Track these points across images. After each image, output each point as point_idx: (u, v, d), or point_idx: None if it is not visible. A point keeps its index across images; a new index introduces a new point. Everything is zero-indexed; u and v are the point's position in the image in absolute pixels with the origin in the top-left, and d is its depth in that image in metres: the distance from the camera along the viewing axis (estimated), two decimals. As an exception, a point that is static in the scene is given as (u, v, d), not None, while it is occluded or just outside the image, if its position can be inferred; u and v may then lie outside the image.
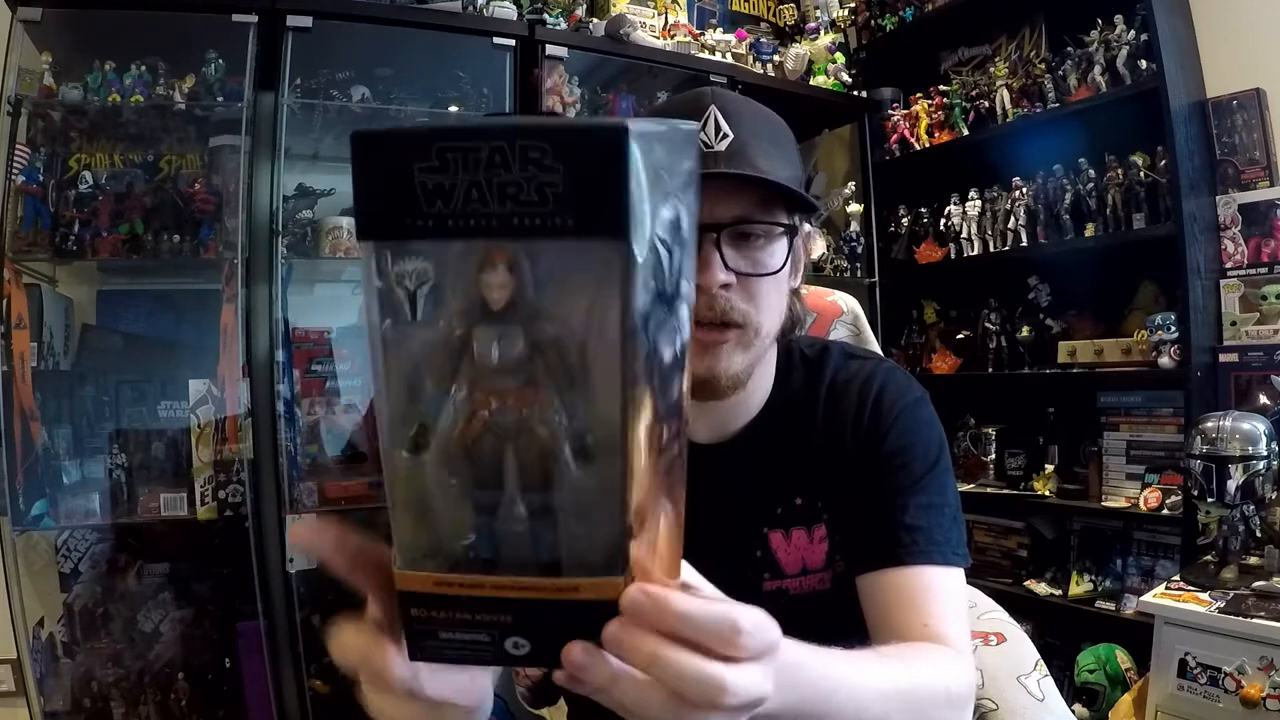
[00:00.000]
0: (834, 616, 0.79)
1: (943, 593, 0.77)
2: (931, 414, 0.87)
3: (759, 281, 0.76)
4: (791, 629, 0.66)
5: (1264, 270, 2.21)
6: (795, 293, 0.85)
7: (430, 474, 0.37)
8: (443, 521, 0.38)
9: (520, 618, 0.39)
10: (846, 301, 1.28)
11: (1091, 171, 2.43)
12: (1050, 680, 0.92)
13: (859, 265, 3.04)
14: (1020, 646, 0.97)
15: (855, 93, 3.04)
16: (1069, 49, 2.49)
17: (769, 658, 0.41)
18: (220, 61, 2.10)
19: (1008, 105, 2.65)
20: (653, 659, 0.38)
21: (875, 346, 1.26)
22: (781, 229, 0.77)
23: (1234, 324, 2.24)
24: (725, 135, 0.74)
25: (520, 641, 0.39)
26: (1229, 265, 2.28)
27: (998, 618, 1.04)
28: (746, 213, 0.75)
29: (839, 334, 1.24)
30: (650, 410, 0.38)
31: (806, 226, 0.84)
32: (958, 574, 0.80)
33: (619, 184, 0.33)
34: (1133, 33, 2.29)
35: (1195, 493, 1.99)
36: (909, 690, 0.63)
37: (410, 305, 0.35)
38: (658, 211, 0.36)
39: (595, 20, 2.53)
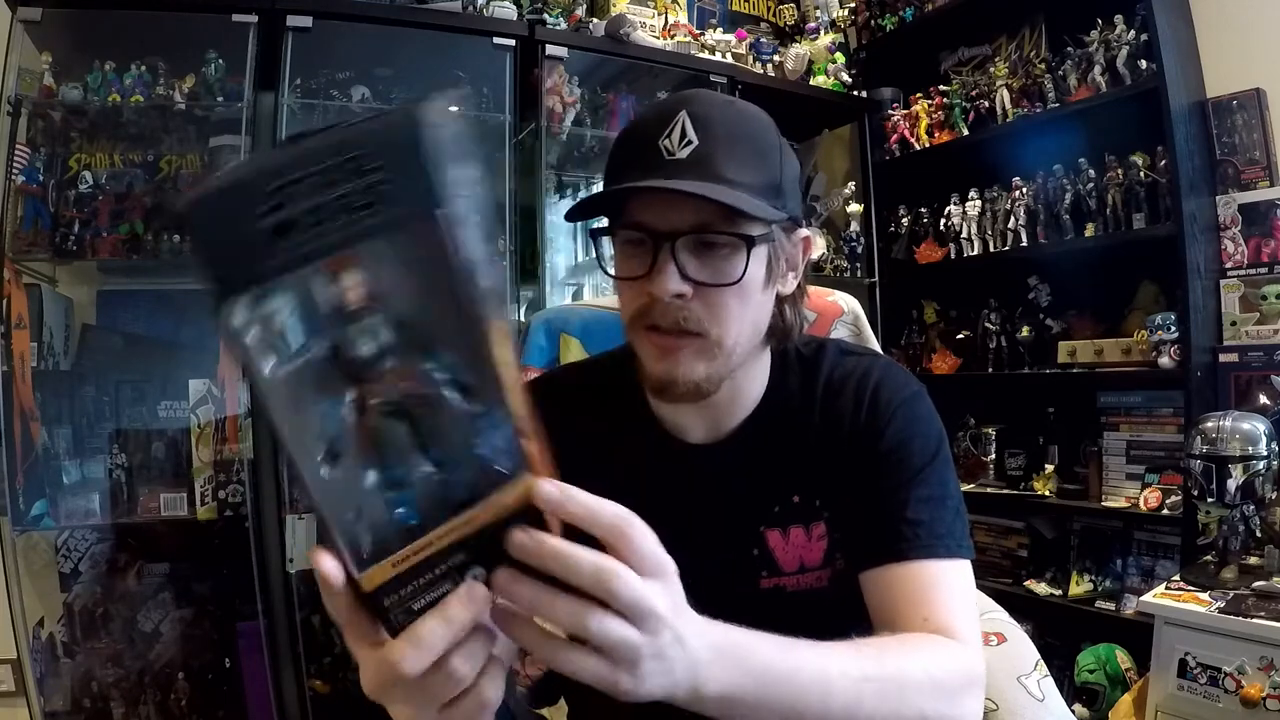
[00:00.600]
0: (831, 614, 0.79)
1: (945, 586, 0.77)
2: (929, 408, 0.86)
3: (720, 291, 0.75)
4: (788, 626, 0.68)
5: (1264, 270, 2.21)
6: (791, 298, 0.84)
7: (351, 478, 0.41)
8: (375, 513, 0.42)
9: (470, 551, 0.44)
10: (847, 302, 1.28)
11: (1091, 171, 2.43)
12: (1050, 680, 0.92)
13: (859, 265, 3.04)
14: (1020, 646, 0.97)
15: (855, 93, 3.04)
16: (1069, 49, 2.48)
17: (663, 577, 0.49)
18: (220, 61, 2.10)
19: (1008, 105, 2.65)
20: (555, 553, 0.45)
21: (876, 346, 1.26)
22: (742, 239, 0.74)
23: (1234, 324, 2.24)
24: (689, 143, 0.73)
25: (478, 570, 0.45)
26: (1229, 265, 2.28)
27: (998, 618, 1.04)
28: (706, 221, 0.73)
29: (839, 334, 1.25)
30: (505, 334, 0.43)
31: (803, 231, 0.83)
32: (962, 566, 0.79)
33: (426, 160, 0.38)
34: (1133, 33, 2.29)
35: (1195, 493, 1.99)
36: (883, 676, 0.64)
37: (284, 340, 0.38)
38: (460, 173, 0.40)
39: (595, 20, 2.53)
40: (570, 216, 0.80)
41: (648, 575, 0.48)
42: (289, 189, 0.36)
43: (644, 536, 0.48)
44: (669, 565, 0.50)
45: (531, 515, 0.46)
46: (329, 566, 0.44)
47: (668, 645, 0.49)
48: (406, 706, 0.48)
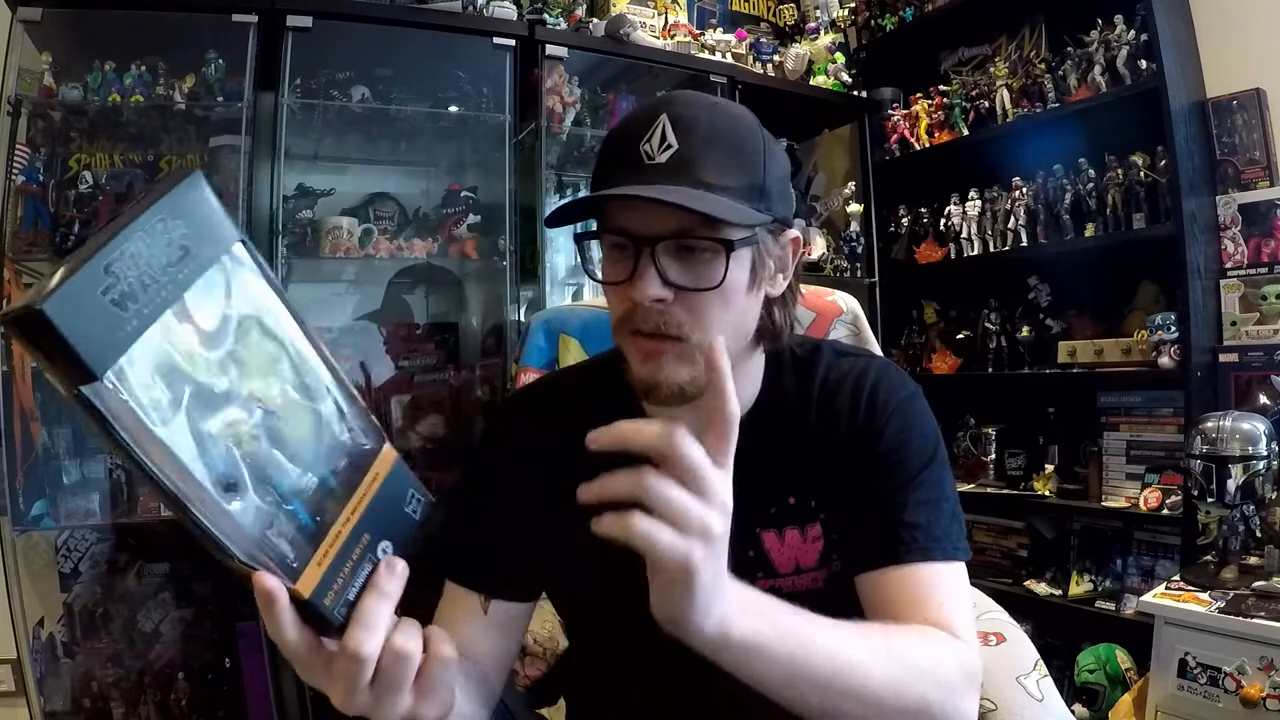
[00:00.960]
0: (827, 615, 0.79)
1: (943, 588, 0.77)
2: (925, 409, 0.86)
3: (702, 296, 0.74)
4: None
5: (1264, 270, 2.21)
6: (781, 300, 0.83)
7: (253, 502, 0.46)
8: (283, 525, 0.47)
9: (370, 527, 0.51)
10: (846, 301, 1.28)
11: (1091, 171, 2.43)
12: (1049, 680, 0.91)
13: (859, 265, 3.04)
14: (1019, 646, 0.97)
15: (855, 93, 3.04)
16: (1069, 49, 2.48)
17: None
18: (220, 61, 2.10)
19: (1008, 105, 2.65)
20: (623, 428, 0.55)
21: (875, 346, 1.26)
22: (722, 244, 0.74)
23: (1234, 324, 2.24)
24: (669, 146, 0.73)
25: (384, 544, 0.52)
26: (1229, 265, 2.28)
27: (997, 618, 1.04)
28: (686, 226, 0.73)
29: (838, 334, 1.24)
30: (314, 333, 0.50)
31: (792, 231, 0.82)
32: (959, 568, 0.80)
33: (210, 208, 0.46)
34: (1133, 33, 2.29)
35: (1195, 493, 1.99)
36: (889, 652, 0.67)
37: (156, 399, 0.42)
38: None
39: (595, 20, 2.53)
40: (550, 222, 0.80)
41: (719, 457, 0.57)
42: (117, 265, 0.40)
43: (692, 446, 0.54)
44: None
45: (398, 475, 0.54)
46: (271, 582, 0.48)
47: (721, 535, 0.55)
48: (375, 707, 0.52)
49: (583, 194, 2.72)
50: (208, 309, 0.45)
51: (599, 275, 0.79)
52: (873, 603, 0.79)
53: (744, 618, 0.59)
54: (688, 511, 0.53)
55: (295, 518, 0.48)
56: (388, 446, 0.54)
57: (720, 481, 0.55)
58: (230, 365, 0.46)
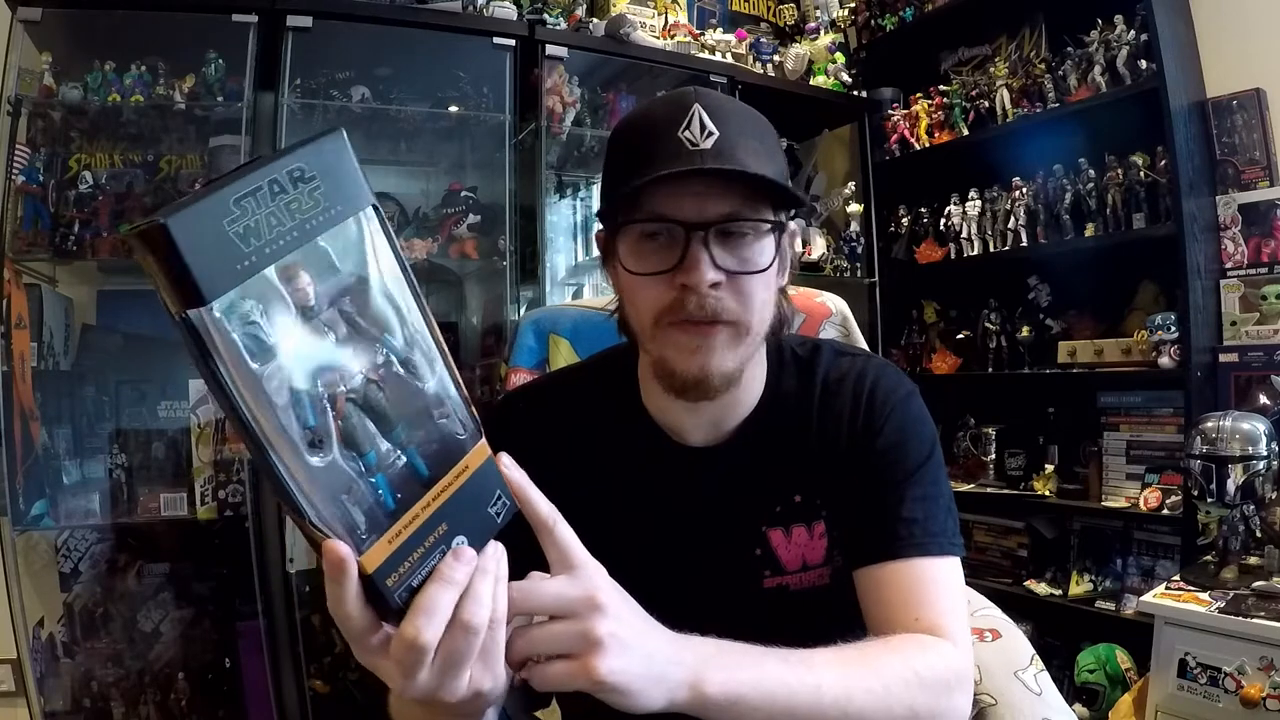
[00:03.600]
0: (834, 612, 0.80)
1: (938, 583, 0.78)
2: (922, 407, 0.87)
3: (748, 279, 0.75)
4: (792, 625, 0.69)
5: (1264, 270, 2.21)
6: (783, 292, 0.84)
7: (336, 464, 0.45)
8: (362, 495, 0.46)
9: (449, 519, 0.50)
10: (835, 303, 1.28)
11: (1091, 171, 2.43)
12: (1047, 675, 0.92)
13: (859, 265, 3.04)
14: (1016, 642, 0.97)
15: (855, 93, 3.04)
16: (1069, 49, 2.48)
17: (576, 569, 0.56)
18: (220, 61, 2.10)
19: (1008, 105, 2.65)
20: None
21: (864, 347, 1.26)
22: (769, 226, 0.76)
23: (1234, 324, 2.24)
24: (710, 133, 0.73)
25: (460, 538, 0.50)
26: (1229, 265, 2.27)
27: (992, 614, 1.04)
28: (734, 210, 0.74)
29: (828, 335, 1.24)
30: (429, 312, 0.50)
31: (793, 225, 0.83)
32: (954, 564, 0.80)
33: (351, 166, 0.47)
34: (1133, 33, 2.29)
35: (1195, 493, 1.99)
36: (868, 672, 0.67)
37: (258, 339, 0.42)
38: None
39: (595, 20, 2.53)
40: (604, 216, 0.79)
41: (566, 570, 0.56)
42: (247, 200, 0.41)
43: (566, 532, 0.57)
44: (584, 561, 0.57)
45: (487, 473, 0.53)
46: (344, 550, 0.45)
47: (617, 627, 0.55)
48: (437, 686, 0.50)
49: (584, 193, 2.74)
50: (329, 262, 0.45)
51: (631, 268, 0.77)
52: (869, 598, 0.79)
53: (714, 674, 0.60)
54: (557, 640, 0.55)
55: (375, 491, 0.47)
56: (483, 442, 0.53)
57: (562, 589, 0.55)
58: (340, 324, 0.46)
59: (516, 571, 0.55)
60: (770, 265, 0.76)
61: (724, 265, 0.74)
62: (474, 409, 0.52)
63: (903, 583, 0.77)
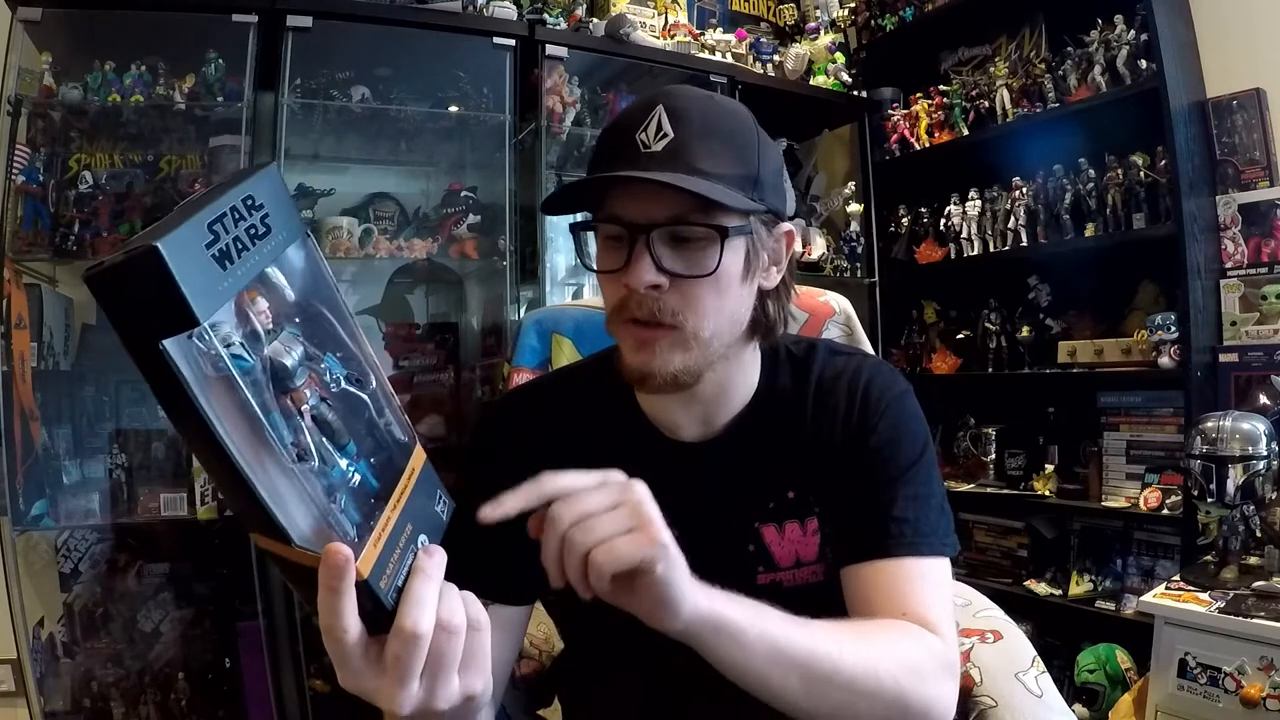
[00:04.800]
0: (828, 608, 0.80)
1: (926, 582, 0.78)
2: (916, 406, 0.87)
3: (696, 283, 0.75)
4: None
5: (1264, 270, 2.21)
6: (774, 293, 0.84)
7: (319, 474, 0.46)
8: (340, 505, 0.47)
9: (412, 521, 0.52)
10: (838, 302, 1.28)
11: (1091, 171, 2.43)
12: (1048, 677, 0.92)
13: (859, 265, 3.04)
14: (1017, 643, 0.97)
15: (855, 93, 3.04)
16: (1069, 49, 2.48)
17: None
18: (220, 61, 2.10)
19: (1008, 105, 2.65)
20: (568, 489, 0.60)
21: (867, 346, 1.26)
22: (716, 230, 0.74)
23: (1234, 324, 2.24)
24: (665, 135, 0.74)
25: (422, 537, 0.53)
26: (1229, 265, 2.27)
27: (993, 615, 1.04)
28: (680, 213, 0.74)
29: (831, 334, 1.24)
30: (359, 328, 0.53)
31: (785, 225, 0.83)
32: (943, 564, 0.81)
33: (287, 197, 0.50)
34: (1133, 33, 2.29)
35: (1195, 493, 1.99)
36: (859, 640, 0.70)
37: (240, 359, 0.43)
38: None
39: (595, 20, 2.53)
40: (547, 208, 0.81)
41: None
42: (217, 225, 0.43)
43: (568, 476, 0.61)
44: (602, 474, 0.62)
45: (428, 475, 0.56)
46: (346, 550, 0.45)
47: (657, 512, 0.60)
48: (428, 695, 0.50)
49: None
50: (284, 286, 0.48)
51: (594, 265, 0.80)
52: (857, 595, 0.80)
53: (719, 602, 0.64)
54: (618, 520, 0.59)
55: (350, 500, 0.49)
56: (419, 445, 0.56)
57: (605, 488, 0.61)
58: (295, 345, 0.48)
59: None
60: (715, 269, 0.75)
61: (670, 268, 0.75)
62: (404, 414, 0.56)
63: (891, 581, 0.78)
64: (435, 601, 0.50)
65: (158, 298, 0.38)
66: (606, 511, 0.58)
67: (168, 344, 0.39)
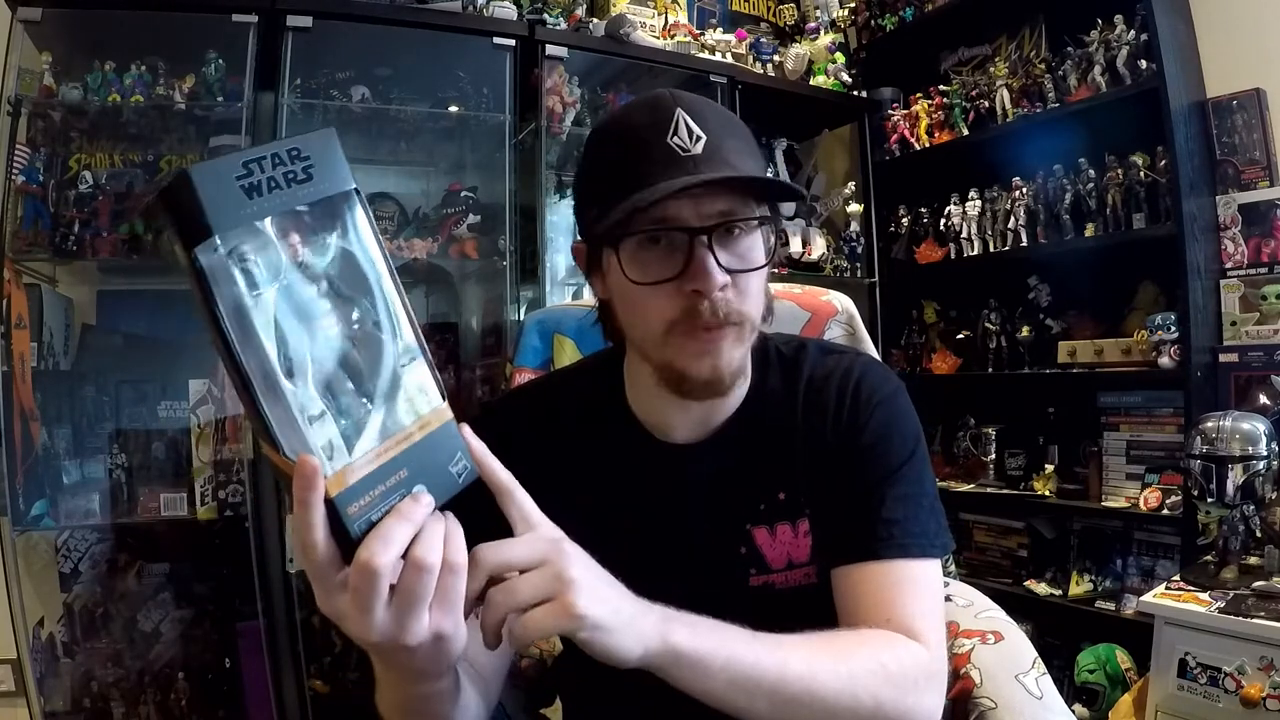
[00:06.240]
0: (821, 610, 0.79)
1: (913, 586, 0.78)
2: (908, 405, 0.87)
3: (750, 276, 0.76)
4: (779, 623, 0.69)
5: (1264, 270, 2.21)
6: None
7: (309, 393, 0.50)
8: (327, 426, 0.51)
9: (409, 465, 0.54)
10: (841, 301, 1.27)
11: (1091, 171, 2.43)
12: (1048, 678, 0.91)
13: (859, 265, 3.04)
14: (1018, 644, 0.97)
15: (855, 93, 3.04)
16: (1069, 49, 2.49)
17: (535, 527, 0.60)
18: (220, 61, 2.10)
19: (1008, 105, 2.65)
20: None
21: (869, 346, 1.25)
22: (758, 221, 0.77)
23: (1234, 324, 2.24)
24: (699, 137, 0.73)
25: (419, 487, 0.54)
26: (1229, 265, 2.28)
27: (995, 616, 1.04)
28: (729, 209, 0.74)
29: (834, 333, 1.24)
30: (402, 288, 0.56)
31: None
32: (933, 565, 0.80)
33: (338, 154, 0.54)
34: (1133, 33, 2.29)
35: (1195, 493, 1.99)
36: (834, 658, 0.68)
37: (252, 276, 0.48)
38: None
39: (595, 20, 2.53)
40: (611, 237, 0.75)
41: (528, 529, 0.59)
42: (253, 164, 0.49)
43: (525, 497, 0.61)
44: (544, 520, 0.61)
45: (449, 433, 0.57)
46: (315, 462, 0.48)
47: (585, 571, 0.58)
48: (396, 628, 0.52)
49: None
50: (316, 225, 0.52)
51: (638, 279, 0.75)
52: (843, 596, 0.79)
53: (679, 628, 0.63)
54: (533, 585, 0.57)
55: (341, 425, 0.51)
56: (445, 404, 0.58)
57: (531, 542, 0.59)
58: (322, 280, 0.52)
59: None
60: (771, 259, 0.77)
61: (727, 265, 0.74)
62: (437, 373, 0.58)
63: (878, 583, 0.77)
64: (402, 541, 0.51)
65: (185, 210, 0.46)
66: (531, 568, 0.57)
67: (199, 253, 0.46)
